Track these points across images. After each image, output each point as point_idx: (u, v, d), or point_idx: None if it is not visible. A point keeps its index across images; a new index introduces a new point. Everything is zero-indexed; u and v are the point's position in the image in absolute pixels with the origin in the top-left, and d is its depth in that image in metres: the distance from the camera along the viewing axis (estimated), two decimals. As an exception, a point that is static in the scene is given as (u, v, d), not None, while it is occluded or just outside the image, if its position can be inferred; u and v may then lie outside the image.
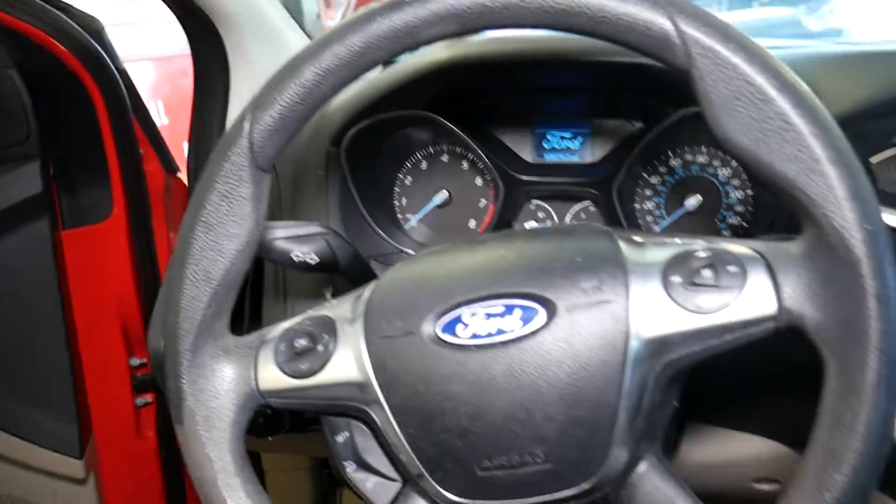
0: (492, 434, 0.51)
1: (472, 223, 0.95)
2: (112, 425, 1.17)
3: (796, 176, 0.47)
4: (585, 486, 0.51)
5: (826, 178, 0.46)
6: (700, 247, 0.52)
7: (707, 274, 0.50)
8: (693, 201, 0.87)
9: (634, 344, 0.50)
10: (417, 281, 0.57)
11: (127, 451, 1.19)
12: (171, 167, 1.22)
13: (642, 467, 0.52)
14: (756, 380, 0.69)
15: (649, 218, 0.90)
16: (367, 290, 0.58)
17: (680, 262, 0.51)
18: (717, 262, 0.50)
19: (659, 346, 0.50)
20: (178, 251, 0.58)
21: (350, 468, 0.58)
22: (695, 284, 0.50)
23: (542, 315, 0.52)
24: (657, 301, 0.51)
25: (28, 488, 1.07)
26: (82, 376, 1.14)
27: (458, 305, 0.53)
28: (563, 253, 0.54)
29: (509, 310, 0.52)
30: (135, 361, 1.19)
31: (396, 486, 0.57)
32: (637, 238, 0.55)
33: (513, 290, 0.53)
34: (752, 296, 0.49)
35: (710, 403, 0.77)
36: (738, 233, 0.88)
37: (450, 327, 0.53)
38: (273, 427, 0.84)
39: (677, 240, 0.54)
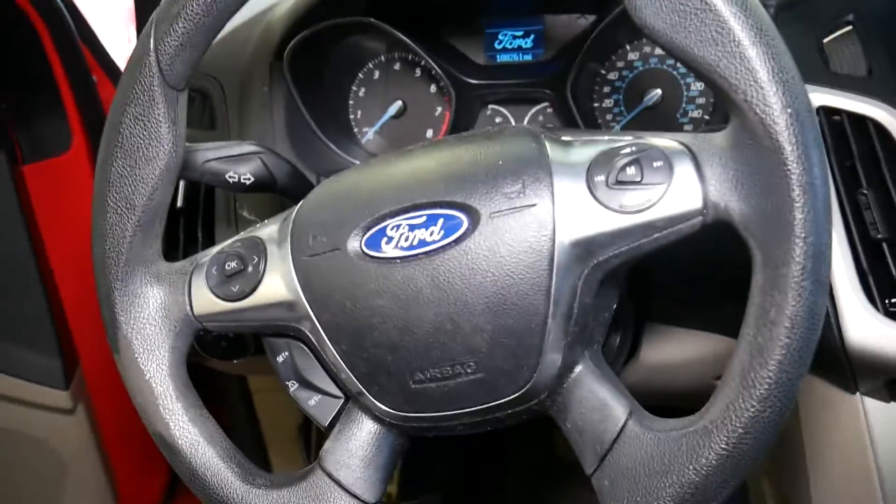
0: (421, 347, 0.51)
1: (430, 132, 0.92)
2: (97, 354, 1.19)
3: (716, 60, 0.44)
4: (517, 394, 0.51)
5: (747, 60, 0.43)
6: (626, 142, 0.50)
7: (631, 171, 0.48)
8: (652, 96, 0.84)
9: (560, 247, 0.49)
10: (342, 196, 0.55)
11: (115, 379, 1.21)
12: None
13: (576, 372, 0.51)
14: (706, 278, 0.68)
15: (608, 116, 0.87)
16: (295, 208, 0.57)
17: (605, 161, 0.49)
18: (643, 158, 0.48)
19: (585, 248, 0.49)
20: (97, 179, 0.57)
21: (293, 387, 0.58)
22: (620, 183, 0.48)
23: (465, 224, 0.50)
24: (582, 202, 0.49)
25: (17, 421, 1.10)
26: (62, 308, 1.15)
27: (383, 218, 0.52)
28: (485, 158, 0.52)
29: (432, 220, 0.51)
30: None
31: (339, 402, 0.57)
32: (566, 137, 0.53)
33: (434, 200, 0.51)
34: (678, 191, 0.47)
35: (667, 305, 0.77)
36: (699, 126, 0.85)
37: (374, 241, 0.52)
38: (237, 350, 0.84)
39: (604, 136, 0.52)
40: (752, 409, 0.43)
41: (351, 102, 0.93)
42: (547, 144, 0.52)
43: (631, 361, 0.79)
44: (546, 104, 0.88)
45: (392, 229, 0.52)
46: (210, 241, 0.85)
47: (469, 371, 0.51)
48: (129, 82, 0.55)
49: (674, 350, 0.78)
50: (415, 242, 0.51)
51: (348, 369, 0.53)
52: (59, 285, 1.15)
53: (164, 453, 0.57)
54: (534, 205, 0.49)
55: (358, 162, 0.91)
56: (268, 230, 0.57)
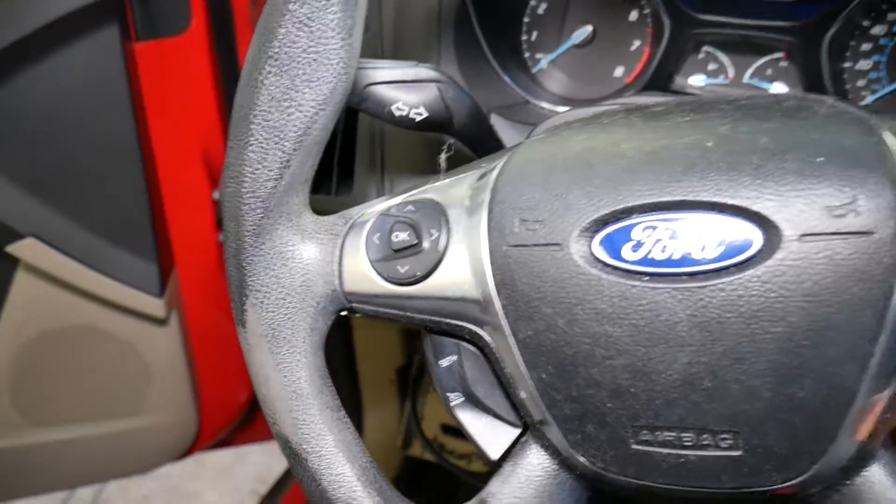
0: (659, 401, 0.37)
1: (619, 71, 0.75)
2: (194, 262, 1.09)
3: None
4: (784, 485, 0.37)
5: None
6: None
7: None
8: (929, 63, 0.65)
9: None
10: (568, 166, 0.40)
11: (210, 289, 1.12)
12: (258, -26, 1.04)
13: (872, 470, 0.36)
14: None
15: (861, 82, 0.67)
16: (493, 169, 0.42)
17: None
18: None
19: None
20: (241, 100, 0.43)
21: (456, 401, 0.45)
22: None
23: (757, 241, 0.35)
24: None
25: (107, 322, 1.02)
26: (162, 209, 1.05)
27: (629, 213, 0.37)
28: (795, 146, 0.36)
29: (704, 229, 0.35)
30: (217, 195, 1.09)
31: (514, 432, 0.44)
32: None
33: (714, 199, 0.36)
34: None
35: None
36: None
37: (613, 244, 0.37)
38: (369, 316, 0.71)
39: None
40: None
41: (526, 20, 0.76)
42: (886, 141, 0.35)
43: None
44: (780, 55, 0.69)
45: (642, 231, 0.36)
46: (348, 182, 0.70)
47: (723, 445, 0.37)
48: None
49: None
50: (676, 256, 0.36)
51: (545, 406, 0.40)
52: (161, 183, 1.05)
53: (288, 461, 0.45)
54: (869, 232, 0.33)
55: (529, 96, 0.74)
56: (452, 194, 0.43)
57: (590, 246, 0.37)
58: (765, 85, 0.69)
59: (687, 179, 0.36)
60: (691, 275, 0.35)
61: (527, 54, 0.77)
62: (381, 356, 1.13)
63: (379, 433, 1.17)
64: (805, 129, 0.37)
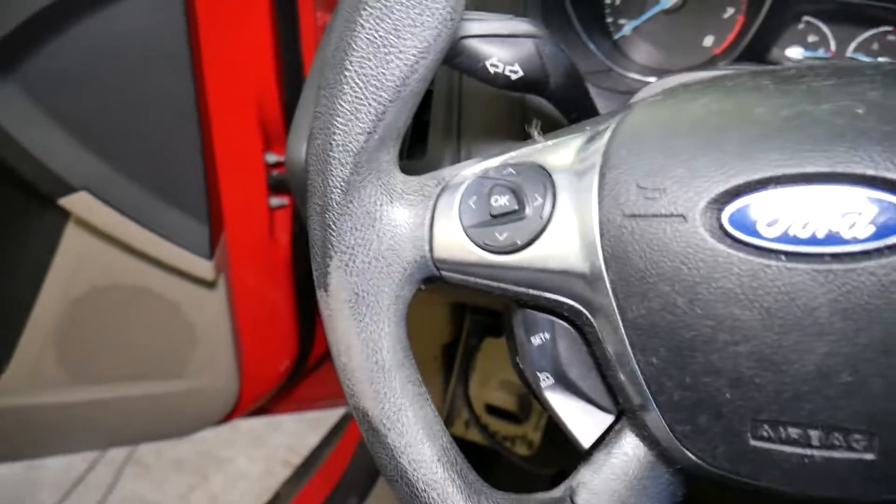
0: (788, 393, 0.33)
1: (709, 40, 0.70)
2: (244, 226, 1.07)
3: None
4: None
5: None
6: None
7: None
8: None
9: None
10: (693, 130, 0.36)
11: (259, 255, 1.10)
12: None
13: None
14: None
15: (980, 62, 0.62)
16: (605, 132, 0.39)
17: None
18: None
19: None
20: (337, 43, 0.39)
21: (546, 382, 0.41)
22: None
23: None
24: None
25: (157, 282, 1.01)
26: (214, 170, 1.03)
27: (764, 184, 0.33)
28: None
29: (854, 204, 0.32)
30: (271, 158, 1.07)
31: (608, 419, 0.41)
32: None
33: (866, 172, 0.32)
34: None
35: None
36: None
37: (744, 218, 0.33)
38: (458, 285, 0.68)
39: None
40: None
41: (611, -18, 0.72)
42: None
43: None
44: (889, 28, 0.64)
45: (781, 205, 0.33)
46: (420, 146, 0.67)
47: (856, 446, 0.33)
48: None
49: None
50: (820, 235, 0.32)
51: (652, 394, 0.36)
52: (214, 142, 1.03)
53: (365, 435, 0.42)
54: None
55: (611, 63, 0.70)
56: (559, 157, 0.39)
57: (719, 219, 0.34)
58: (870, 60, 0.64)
59: (834, 149, 0.32)
60: (836, 256, 0.32)
61: (609, 19, 0.73)
62: (428, 332, 1.10)
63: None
64: None
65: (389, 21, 0.37)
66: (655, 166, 0.35)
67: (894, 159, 0.31)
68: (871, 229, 0.31)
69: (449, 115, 0.65)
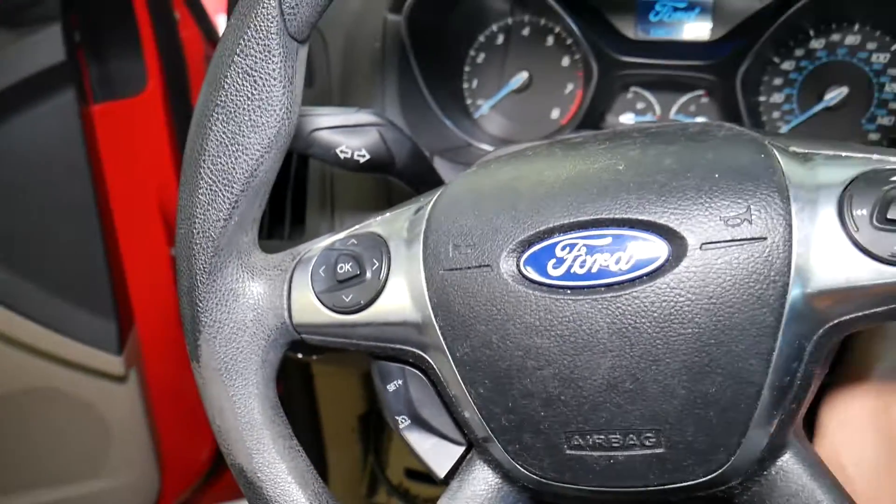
0: (587, 406, 0.39)
1: (555, 113, 0.79)
2: (154, 318, 1.10)
3: None
4: (705, 478, 0.39)
5: None
6: None
7: None
8: (834, 94, 0.70)
9: (794, 300, 0.36)
10: (495, 194, 0.43)
11: (171, 345, 1.13)
12: (210, 34, 1.08)
13: (783, 460, 0.39)
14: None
15: (776, 114, 0.73)
16: (428, 203, 0.45)
17: (867, 187, 0.37)
18: None
19: (828, 303, 0.36)
20: (191, 145, 0.45)
21: (403, 424, 0.47)
22: (891, 221, 0.35)
23: (664, 252, 0.38)
24: (830, 241, 0.36)
25: (65, 382, 1.02)
26: (121, 267, 1.06)
27: (550, 233, 0.40)
28: (694, 165, 0.39)
29: (619, 243, 0.39)
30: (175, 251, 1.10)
31: (459, 450, 0.46)
32: (797, 149, 0.40)
33: (625, 216, 0.39)
34: None
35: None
36: (887, 136, 0.71)
37: (538, 262, 0.40)
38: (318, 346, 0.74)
39: (859, 152, 0.39)
40: None
41: (467, 69, 0.81)
42: (778, 156, 0.39)
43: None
44: (701, 92, 0.74)
45: (563, 249, 0.40)
46: (299, 225, 0.73)
47: (647, 444, 0.39)
48: (239, 27, 0.43)
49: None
50: (594, 270, 0.39)
51: (482, 419, 0.42)
52: (119, 241, 1.06)
53: (243, 490, 0.46)
54: (762, 238, 0.37)
55: (471, 139, 0.79)
56: (392, 227, 0.46)
57: (518, 265, 0.40)
58: (689, 120, 0.74)
59: (601, 199, 0.40)
60: (608, 286, 0.38)
61: (468, 100, 0.81)
62: (343, 404, 1.14)
63: (343, 482, 1.17)
64: (704, 149, 0.40)
65: (234, 123, 0.43)
66: (466, 227, 0.42)
67: (645, 203, 0.39)
68: (632, 262, 0.38)
69: (323, 195, 0.72)
